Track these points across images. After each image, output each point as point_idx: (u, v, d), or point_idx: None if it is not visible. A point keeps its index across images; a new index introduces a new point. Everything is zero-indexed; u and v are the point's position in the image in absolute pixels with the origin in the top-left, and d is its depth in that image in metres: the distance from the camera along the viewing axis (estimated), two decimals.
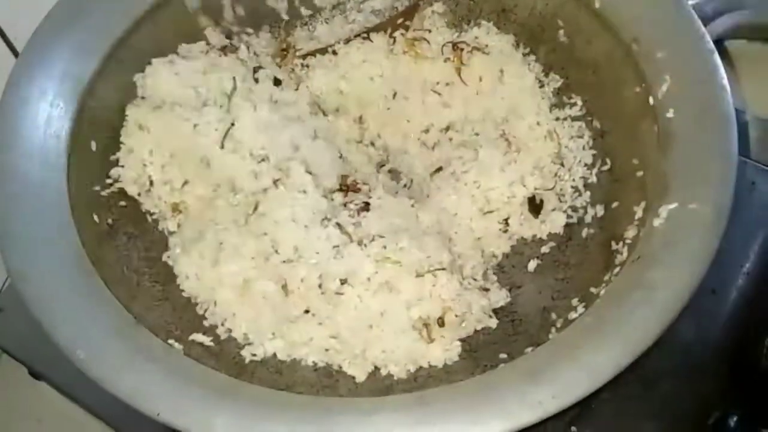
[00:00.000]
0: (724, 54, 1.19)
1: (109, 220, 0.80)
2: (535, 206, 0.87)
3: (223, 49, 0.92)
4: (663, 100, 0.75)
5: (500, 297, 0.81)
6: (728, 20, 1.18)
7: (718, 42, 1.17)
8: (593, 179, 0.87)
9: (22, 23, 1.07)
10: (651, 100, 0.77)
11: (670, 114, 0.74)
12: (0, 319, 0.93)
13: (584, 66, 0.89)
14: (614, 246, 0.77)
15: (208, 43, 0.91)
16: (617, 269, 0.74)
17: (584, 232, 0.84)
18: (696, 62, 0.76)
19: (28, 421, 1.18)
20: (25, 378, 0.93)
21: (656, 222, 0.69)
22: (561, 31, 0.91)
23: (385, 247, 0.77)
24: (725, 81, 0.73)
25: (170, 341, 0.69)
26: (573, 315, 0.73)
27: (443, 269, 0.77)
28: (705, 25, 0.79)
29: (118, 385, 0.62)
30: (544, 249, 0.86)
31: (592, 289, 0.74)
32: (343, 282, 0.76)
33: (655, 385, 0.83)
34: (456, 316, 0.76)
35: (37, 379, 0.91)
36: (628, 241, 0.75)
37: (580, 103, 0.90)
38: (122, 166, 0.83)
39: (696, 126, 0.72)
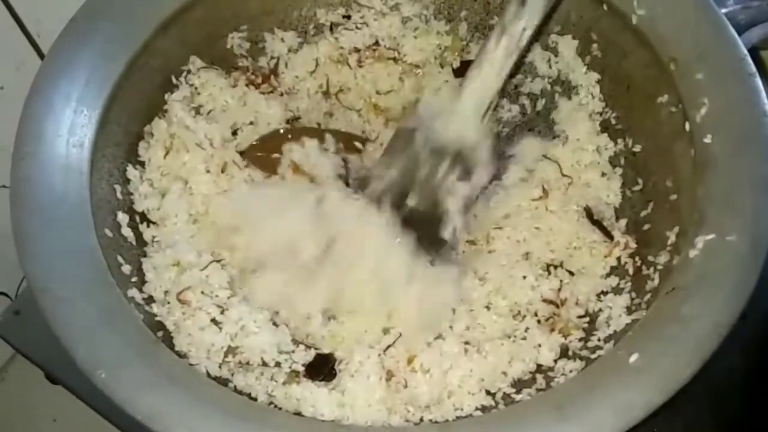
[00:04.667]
0: (758, 64, 1.16)
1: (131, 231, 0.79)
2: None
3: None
4: (701, 123, 0.73)
5: None
6: (762, 30, 1.15)
7: (753, 51, 1.14)
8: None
9: (45, 20, 1.08)
10: (687, 124, 0.74)
11: (707, 139, 0.71)
12: (17, 322, 0.92)
13: (618, 81, 0.87)
14: (645, 271, 0.76)
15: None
16: (648, 296, 0.73)
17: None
18: (736, 86, 0.73)
19: (43, 419, 1.19)
20: (40, 379, 0.93)
21: (692, 253, 0.66)
22: (595, 45, 0.89)
23: None
24: (767, 107, 0.71)
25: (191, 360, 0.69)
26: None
27: None
28: (739, 35, 0.77)
29: (138, 406, 0.61)
30: None
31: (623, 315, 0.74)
32: None
33: (679, 410, 0.82)
34: None
35: (54, 383, 0.91)
36: (659, 267, 0.73)
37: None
38: None
39: (735, 153, 0.70)
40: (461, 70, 0.96)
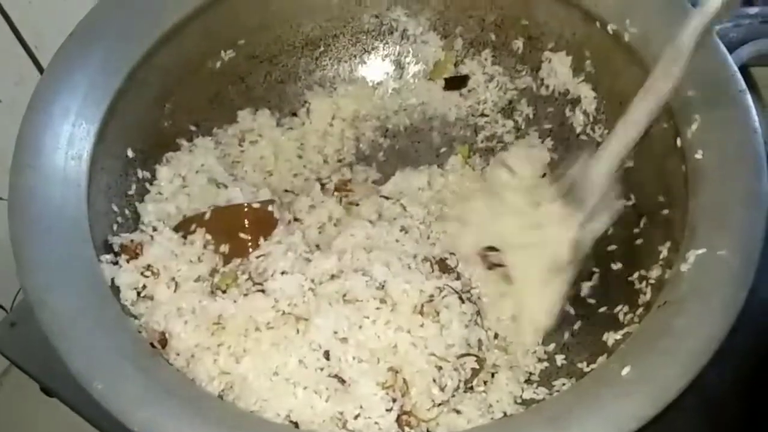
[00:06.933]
0: (749, 80, 1.18)
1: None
2: None
3: None
4: (692, 139, 0.74)
5: None
6: (753, 47, 1.16)
7: (744, 69, 1.15)
8: None
9: (44, 34, 1.08)
10: (679, 140, 0.75)
11: (698, 155, 0.72)
12: (12, 333, 0.92)
13: (611, 97, 0.88)
14: (637, 285, 0.77)
15: None
16: (640, 309, 0.73)
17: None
18: (727, 102, 0.74)
19: None
20: (35, 391, 0.93)
21: (683, 267, 0.67)
22: (588, 62, 0.90)
23: None
24: (757, 123, 0.72)
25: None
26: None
27: None
28: (730, 52, 0.78)
29: (135, 418, 0.61)
30: None
31: (612, 332, 0.74)
32: None
33: (673, 423, 0.82)
34: None
35: (49, 396, 0.91)
36: (651, 281, 0.74)
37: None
38: None
39: (726, 168, 0.71)
40: (452, 83, 0.99)
